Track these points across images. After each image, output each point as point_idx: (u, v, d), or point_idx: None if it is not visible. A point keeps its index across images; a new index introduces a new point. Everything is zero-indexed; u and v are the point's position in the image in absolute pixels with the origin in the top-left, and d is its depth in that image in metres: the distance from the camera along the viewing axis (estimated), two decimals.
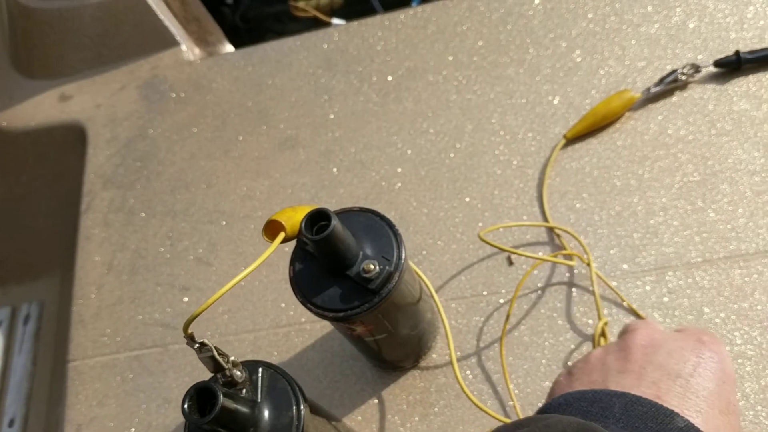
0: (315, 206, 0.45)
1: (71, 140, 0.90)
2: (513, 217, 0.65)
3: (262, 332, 0.67)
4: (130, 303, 0.73)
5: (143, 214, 0.78)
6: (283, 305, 0.68)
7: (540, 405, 0.45)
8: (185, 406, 0.41)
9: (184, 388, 0.67)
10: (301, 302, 0.49)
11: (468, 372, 0.60)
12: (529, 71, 0.73)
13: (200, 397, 0.42)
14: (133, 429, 0.66)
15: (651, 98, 0.67)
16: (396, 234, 0.49)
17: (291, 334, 0.66)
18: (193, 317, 0.41)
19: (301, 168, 0.75)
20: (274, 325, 0.67)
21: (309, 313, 0.66)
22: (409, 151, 0.72)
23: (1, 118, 0.95)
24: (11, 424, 1.00)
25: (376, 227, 0.50)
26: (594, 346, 0.57)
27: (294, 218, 0.46)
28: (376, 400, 0.61)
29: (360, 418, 0.60)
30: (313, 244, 0.46)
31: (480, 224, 0.66)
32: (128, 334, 0.72)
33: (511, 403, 0.57)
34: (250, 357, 0.55)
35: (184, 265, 0.73)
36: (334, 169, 0.74)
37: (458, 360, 0.60)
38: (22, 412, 1.00)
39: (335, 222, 0.45)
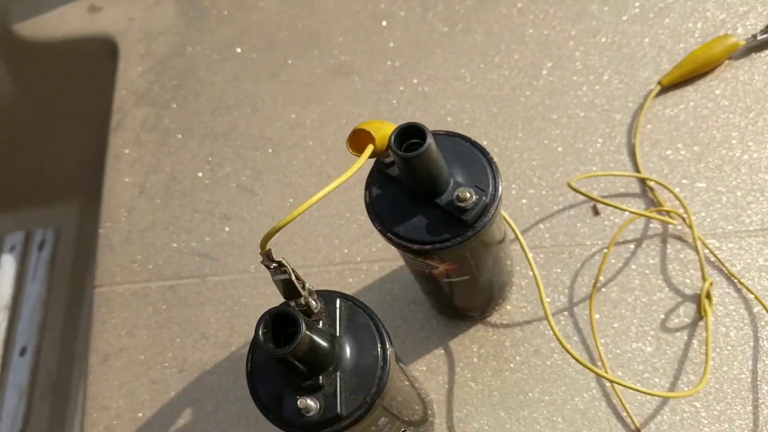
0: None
1: (101, 54, 0.77)
2: (598, 164, 0.55)
3: (313, 269, 0.56)
4: (164, 229, 0.62)
5: (179, 136, 0.66)
6: (337, 242, 0.57)
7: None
8: (260, 333, 0.31)
9: (223, 323, 0.56)
10: (380, 231, 0.39)
11: (547, 327, 0.50)
12: (614, 9, 0.62)
13: (274, 325, 0.32)
14: (167, 363, 0.56)
15: (755, 46, 0.57)
16: (491, 162, 0.39)
17: (345, 273, 0.56)
18: (275, 231, 0.31)
19: (357, 97, 0.64)
20: (327, 262, 0.56)
21: (364, 252, 0.56)
22: (479, 87, 0.61)
23: (23, 28, 0.81)
24: (23, 352, 0.89)
25: (468, 154, 0.39)
26: (699, 309, 0.47)
27: (382, 130, 0.35)
28: (442, 351, 0.51)
29: (425, 368, 0.50)
30: (403, 164, 0.36)
31: (560, 169, 0.55)
32: (161, 262, 0.61)
33: (600, 363, 0.48)
34: None
35: (225, 192, 0.62)
36: (394, 101, 0.63)
37: (535, 313, 0.50)
38: (35, 341, 0.90)
39: (431, 140, 0.34)
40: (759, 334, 0.47)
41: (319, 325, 0.36)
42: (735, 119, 0.54)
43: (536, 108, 0.59)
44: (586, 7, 0.63)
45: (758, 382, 0.46)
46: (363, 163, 0.33)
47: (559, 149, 0.56)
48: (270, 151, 0.63)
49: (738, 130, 0.54)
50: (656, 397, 0.46)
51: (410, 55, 0.65)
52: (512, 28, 0.63)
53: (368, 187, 0.40)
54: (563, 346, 0.43)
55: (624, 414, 0.46)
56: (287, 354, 0.31)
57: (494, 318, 0.51)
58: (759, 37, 0.56)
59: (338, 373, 0.35)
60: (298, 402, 0.34)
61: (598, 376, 0.47)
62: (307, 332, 0.32)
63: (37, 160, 0.96)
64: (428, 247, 0.38)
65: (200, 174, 0.64)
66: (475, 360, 0.50)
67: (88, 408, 0.57)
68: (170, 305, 0.59)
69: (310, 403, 0.34)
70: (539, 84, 0.60)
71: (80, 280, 0.92)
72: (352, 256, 0.56)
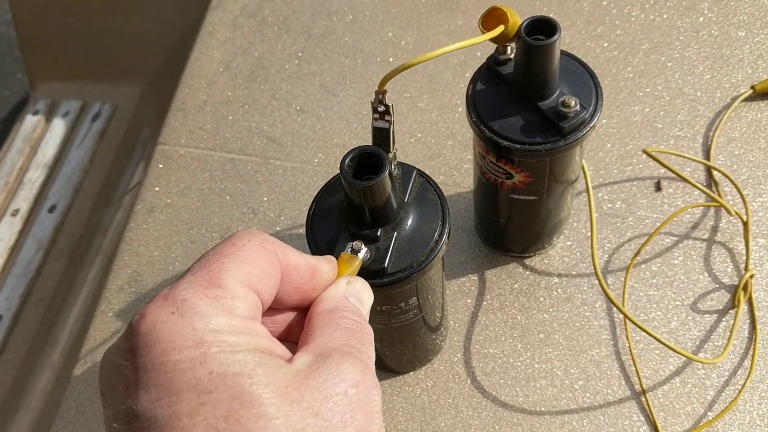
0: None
1: None
2: (672, 146, 0.60)
3: None
4: (240, 107, 0.68)
5: (276, 28, 0.73)
6: (402, 159, 0.63)
7: None
8: (347, 161, 0.36)
9: (275, 204, 0.62)
10: (474, 123, 0.44)
11: (584, 280, 0.55)
12: (724, 11, 0.67)
13: (358, 164, 0.37)
14: (210, 227, 0.62)
15: None
16: (597, 85, 0.44)
17: None
18: (402, 69, 0.36)
19: (456, 33, 0.70)
20: None
21: (426, 172, 0.62)
22: (575, 51, 0.66)
23: None
24: (52, 209, 0.96)
25: (577, 73, 0.45)
26: (734, 300, 0.52)
27: (515, 17, 0.41)
28: (477, 277, 0.56)
29: (456, 289, 0.56)
30: (524, 55, 0.41)
31: (634, 142, 0.60)
32: (229, 135, 0.67)
33: (620, 320, 0.52)
34: None
35: (307, 87, 0.68)
36: (491, 47, 0.68)
37: (576, 265, 0.56)
38: (66, 202, 0.97)
39: (558, 36, 0.39)
40: None
41: (394, 184, 0.42)
42: None
43: (626, 82, 0.64)
44: (697, 4, 0.68)
45: None
46: (487, 39, 0.39)
47: (638, 124, 0.61)
48: (359, 61, 0.69)
49: None
50: (668, 367, 0.51)
51: (515, 6, 0.70)
52: (620, 6, 0.69)
53: (473, 81, 0.45)
54: (604, 289, 0.48)
55: (634, 376, 0.51)
56: (367, 186, 0.36)
57: (534, 260, 0.57)
58: None
59: (395, 233, 0.40)
60: (353, 244, 0.39)
61: (630, 320, 0.52)
62: (389, 178, 0.37)
63: (111, 35, 1.04)
64: (518, 146, 0.43)
65: (287, 66, 0.70)
66: (507, 293, 0.55)
67: (121, 251, 0.63)
68: (227, 176, 0.65)
69: (363, 248, 0.39)
70: (634, 61, 0.65)
71: (124, 156, 1.00)
72: None
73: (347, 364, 0.26)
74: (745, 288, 0.52)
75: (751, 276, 0.52)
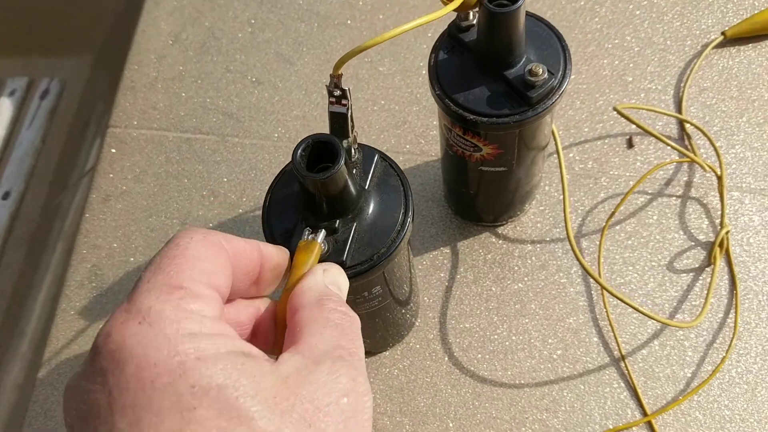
0: None
1: None
2: (643, 100, 0.58)
3: None
4: (193, 82, 0.65)
5: None
6: (366, 127, 0.61)
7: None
8: (298, 154, 0.34)
9: (236, 184, 0.60)
10: (437, 96, 0.42)
11: (558, 246, 0.54)
12: None
13: (312, 153, 0.35)
14: (169, 214, 0.60)
15: None
16: (565, 48, 0.42)
17: None
18: (357, 51, 0.33)
19: None
20: None
21: (392, 142, 0.60)
22: (540, 2, 0.64)
23: None
24: (5, 196, 0.93)
25: (543, 36, 0.43)
26: (710, 256, 0.52)
27: None
28: (449, 250, 0.55)
29: (428, 263, 0.55)
30: (487, 22, 0.39)
31: (604, 97, 0.59)
32: (183, 114, 0.64)
33: (597, 285, 0.52)
34: None
35: (262, 57, 0.65)
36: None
37: (549, 231, 0.55)
38: (20, 188, 0.93)
39: (523, 2, 0.37)
40: (761, 289, 0.51)
41: (352, 172, 0.40)
42: None
43: (593, 34, 0.62)
44: None
45: (748, 335, 0.50)
46: (451, 9, 0.37)
47: (607, 78, 0.60)
48: (316, 25, 0.66)
49: None
50: (646, 331, 0.51)
51: None
52: None
53: (435, 50, 0.43)
54: (578, 258, 0.47)
55: (612, 342, 0.51)
56: (321, 179, 0.34)
57: (507, 228, 0.55)
58: None
59: (355, 224, 0.38)
60: (309, 237, 0.37)
61: (604, 288, 0.52)
62: (345, 168, 0.35)
63: (56, 6, 0.99)
64: (485, 119, 0.41)
65: (240, 35, 0.67)
66: (480, 264, 0.54)
67: (78, 244, 0.61)
68: (184, 158, 0.62)
69: (321, 232, 0.37)
70: (601, 11, 0.63)
71: (78, 134, 0.96)
72: (378, 144, 0.60)
73: (339, 372, 0.25)
74: (721, 245, 0.51)
75: (727, 232, 0.51)
